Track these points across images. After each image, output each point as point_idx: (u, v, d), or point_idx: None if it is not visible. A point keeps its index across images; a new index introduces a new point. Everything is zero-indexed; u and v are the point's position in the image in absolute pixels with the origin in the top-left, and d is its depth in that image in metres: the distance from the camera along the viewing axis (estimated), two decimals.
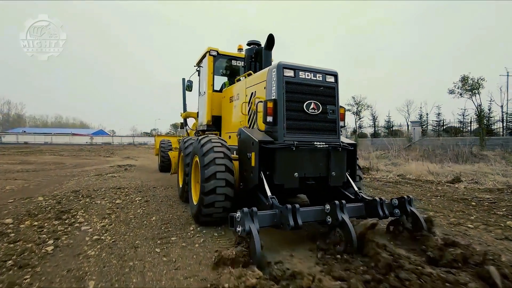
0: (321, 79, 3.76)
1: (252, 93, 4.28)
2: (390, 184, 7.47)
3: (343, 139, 3.94)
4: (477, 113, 24.34)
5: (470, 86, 24.53)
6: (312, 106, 3.61)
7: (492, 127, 26.57)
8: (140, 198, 5.40)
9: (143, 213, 4.38)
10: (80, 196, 5.45)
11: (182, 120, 10.01)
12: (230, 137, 5.20)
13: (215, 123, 6.09)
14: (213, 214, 3.59)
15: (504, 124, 26.78)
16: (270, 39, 4.79)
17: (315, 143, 3.54)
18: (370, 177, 8.94)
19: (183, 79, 9.07)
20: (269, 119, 3.50)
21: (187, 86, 7.56)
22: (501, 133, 25.87)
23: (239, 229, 2.69)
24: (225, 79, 6.95)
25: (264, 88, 3.84)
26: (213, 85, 6.18)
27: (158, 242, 3.16)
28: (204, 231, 3.53)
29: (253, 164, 3.40)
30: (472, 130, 28.07)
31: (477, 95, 24.98)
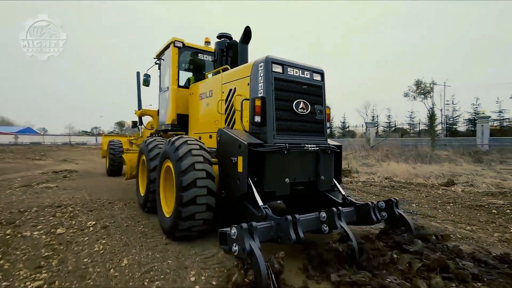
0: (309, 77, 3.55)
1: (230, 89, 3.88)
2: (387, 188, 7.00)
3: (329, 140, 3.79)
4: (429, 115, 27.10)
5: (422, 90, 27.16)
6: (301, 105, 3.38)
7: (435, 128, 30.03)
8: (93, 222, 3.96)
9: (105, 252, 2.92)
10: None
11: (134, 119, 9.07)
12: (200, 138, 4.71)
13: (181, 122, 5.50)
14: (189, 236, 3.27)
15: (444, 126, 30.42)
16: (247, 32, 4.45)
17: (306, 145, 3.30)
18: (356, 180, 8.38)
19: (138, 73, 8.18)
20: (257, 119, 3.16)
21: (144, 81, 6.75)
22: (442, 135, 29.30)
23: (235, 248, 2.32)
24: (188, 74, 6.36)
25: (248, 84, 3.48)
26: (178, 80, 5.57)
27: None
28: (214, 282, 2.37)
29: (240, 169, 3.03)
30: (420, 131, 31.15)
31: (429, 98, 27.80)
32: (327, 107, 3.77)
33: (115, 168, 9.25)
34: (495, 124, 29.10)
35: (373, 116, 39.21)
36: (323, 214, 2.89)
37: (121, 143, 9.58)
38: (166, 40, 5.81)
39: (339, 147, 3.81)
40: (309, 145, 3.34)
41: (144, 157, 4.83)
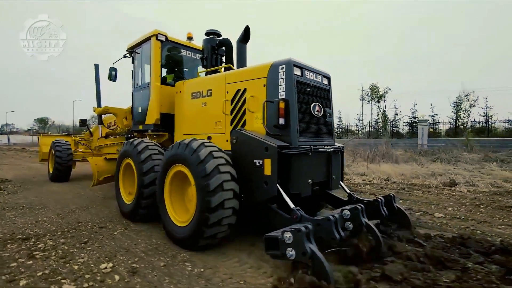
0: (320, 80, 3.69)
1: (238, 90, 3.77)
2: (403, 191, 6.81)
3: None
4: (382, 118, 29.92)
5: (375, 94, 30.10)
6: (316, 108, 3.51)
7: (380, 130, 33.28)
8: (109, 264, 2.74)
9: None
10: None
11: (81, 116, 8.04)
12: None
13: (164, 122, 5.09)
14: (212, 243, 3.16)
15: (390, 128, 34.09)
16: (247, 31, 4.37)
17: (324, 147, 3.44)
18: (355, 182, 7.99)
19: (96, 66, 7.32)
20: (281, 121, 3.17)
21: (110, 75, 6.01)
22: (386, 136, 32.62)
23: (291, 253, 2.31)
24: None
25: (264, 85, 3.44)
26: (161, 76, 5.15)
27: None
28: None
29: (268, 172, 3.00)
30: (369, 132, 34.12)
31: (383, 102, 30.70)
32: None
33: (62, 172, 8.08)
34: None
35: None
36: (347, 212, 3.04)
37: (69, 144, 8.40)
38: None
39: (343, 147, 4.05)
40: (327, 147, 3.48)
41: (130, 160, 4.36)
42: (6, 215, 4.49)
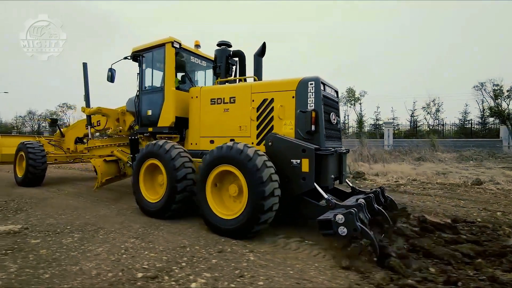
0: (333, 93, 4.47)
1: (265, 99, 4.33)
2: (449, 191, 7.01)
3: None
4: (358, 120, 31.87)
5: (351, 98, 32.11)
6: (333, 117, 4.26)
7: (347, 131, 35.52)
8: None
9: None
10: None
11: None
12: (213, 141, 4.86)
13: (175, 125, 5.33)
14: (263, 228, 3.64)
15: (353, 130, 36.64)
16: (264, 46, 4.95)
17: (341, 148, 4.22)
18: (380, 182, 7.93)
19: (85, 64, 7.09)
20: (313, 128, 3.84)
21: (108, 76, 5.92)
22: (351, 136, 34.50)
23: (343, 230, 2.99)
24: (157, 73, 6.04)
25: (293, 97, 4.07)
26: (175, 81, 5.37)
27: None
28: None
29: (306, 170, 3.65)
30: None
31: (359, 104, 32.58)
32: None
33: (35, 176, 7.52)
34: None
35: None
36: (362, 200, 3.85)
37: (43, 146, 7.81)
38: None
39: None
40: (342, 148, 4.26)
41: (154, 161, 4.58)
42: (64, 243, 3.45)
